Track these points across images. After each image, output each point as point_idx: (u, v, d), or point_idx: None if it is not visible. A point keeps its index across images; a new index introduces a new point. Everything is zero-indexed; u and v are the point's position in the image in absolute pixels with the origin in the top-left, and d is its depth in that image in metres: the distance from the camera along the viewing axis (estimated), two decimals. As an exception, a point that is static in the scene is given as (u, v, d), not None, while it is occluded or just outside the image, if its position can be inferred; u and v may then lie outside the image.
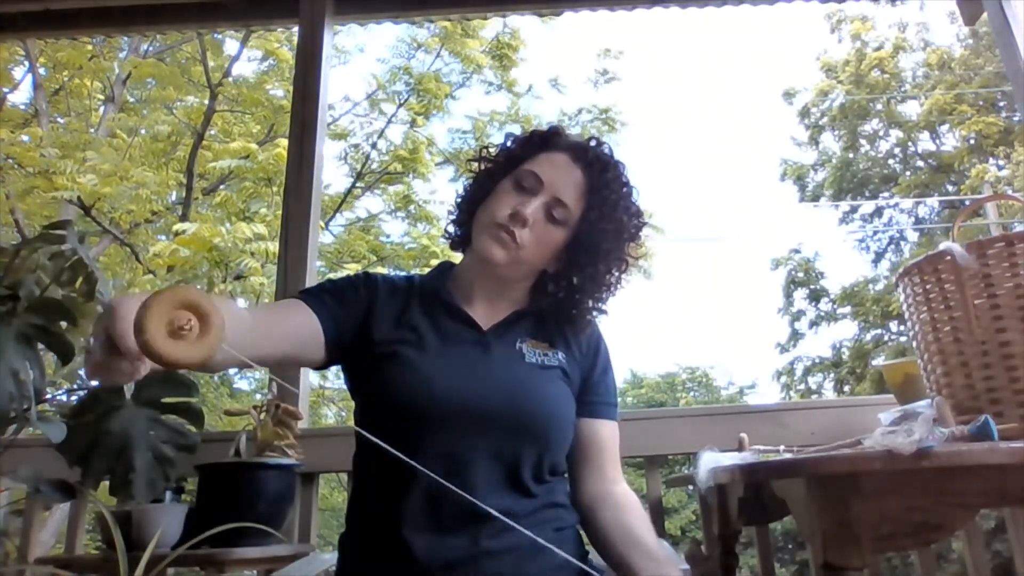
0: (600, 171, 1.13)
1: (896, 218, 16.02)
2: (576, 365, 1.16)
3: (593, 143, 1.18)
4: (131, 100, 8.16)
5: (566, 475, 1.15)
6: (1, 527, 1.52)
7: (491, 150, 1.22)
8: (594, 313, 1.18)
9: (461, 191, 1.23)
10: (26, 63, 7.09)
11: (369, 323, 1.09)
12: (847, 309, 15.11)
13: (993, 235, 1.16)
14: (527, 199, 1.09)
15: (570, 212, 1.10)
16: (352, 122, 7.52)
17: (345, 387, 1.18)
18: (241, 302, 6.55)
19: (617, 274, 1.16)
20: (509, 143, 1.20)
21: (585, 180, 1.12)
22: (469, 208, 1.18)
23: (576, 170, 1.12)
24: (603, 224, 1.11)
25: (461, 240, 1.21)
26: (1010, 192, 12.48)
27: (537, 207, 1.08)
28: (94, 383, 0.80)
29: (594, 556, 1.13)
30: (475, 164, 1.22)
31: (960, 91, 14.47)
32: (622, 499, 1.11)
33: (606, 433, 1.16)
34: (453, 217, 1.23)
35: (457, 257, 1.25)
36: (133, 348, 0.63)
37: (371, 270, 1.21)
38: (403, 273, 1.24)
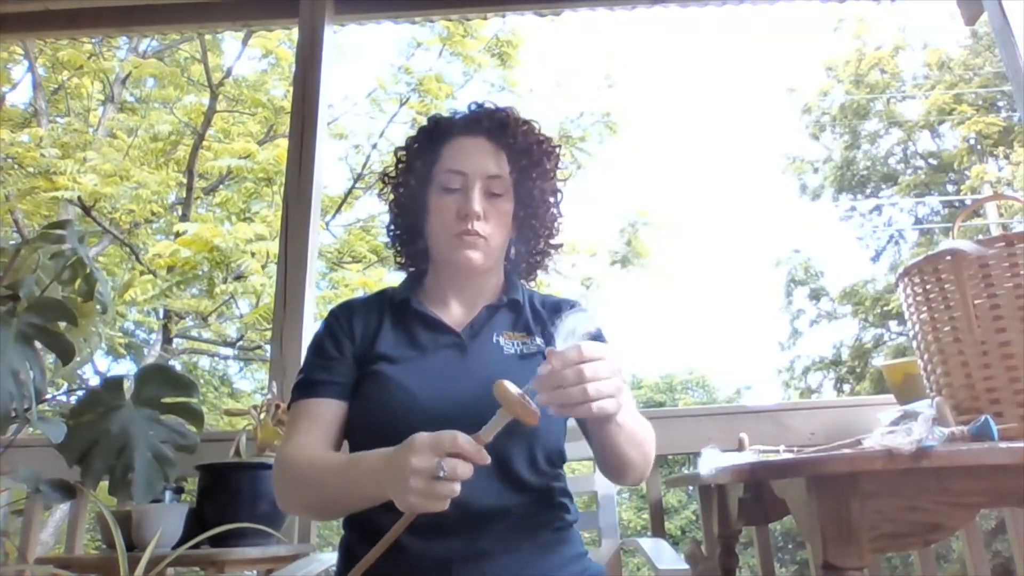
0: (500, 129, 1.14)
1: (896, 217, 16.02)
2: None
3: (474, 107, 1.18)
4: (130, 100, 8.16)
5: (564, 464, 1.13)
6: (1, 527, 1.52)
7: (391, 172, 1.22)
8: (555, 250, 1.22)
9: (390, 222, 1.23)
10: (25, 63, 7.09)
11: (354, 353, 1.10)
12: (847, 308, 15.11)
13: (993, 235, 1.16)
14: (465, 196, 1.09)
15: (504, 179, 1.12)
16: (351, 121, 7.52)
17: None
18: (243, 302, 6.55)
19: (557, 205, 1.20)
20: (406, 157, 1.20)
21: (493, 144, 1.13)
22: (406, 234, 1.20)
23: (480, 140, 1.13)
24: (530, 171, 1.14)
25: (416, 259, 1.22)
26: (1010, 192, 12.48)
27: (478, 196, 1.09)
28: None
29: (594, 555, 1.13)
30: (391, 192, 1.22)
31: (960, 91, 14.46)
32: None
33: None
34: (397, 246, 1.23)
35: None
36: (452, 442, 0.80)
37: (335, 305, 1.20)
38: (373, 293, 1.24)
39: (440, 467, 0.79)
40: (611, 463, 1.04)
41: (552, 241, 1.22)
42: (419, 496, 0.80)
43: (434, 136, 1.16)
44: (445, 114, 1.20)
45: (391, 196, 1.22)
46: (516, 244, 1.20)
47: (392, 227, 1.23)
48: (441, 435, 0.81)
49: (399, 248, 1.24)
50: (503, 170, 1.12)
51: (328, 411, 1.06)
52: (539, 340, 1.13)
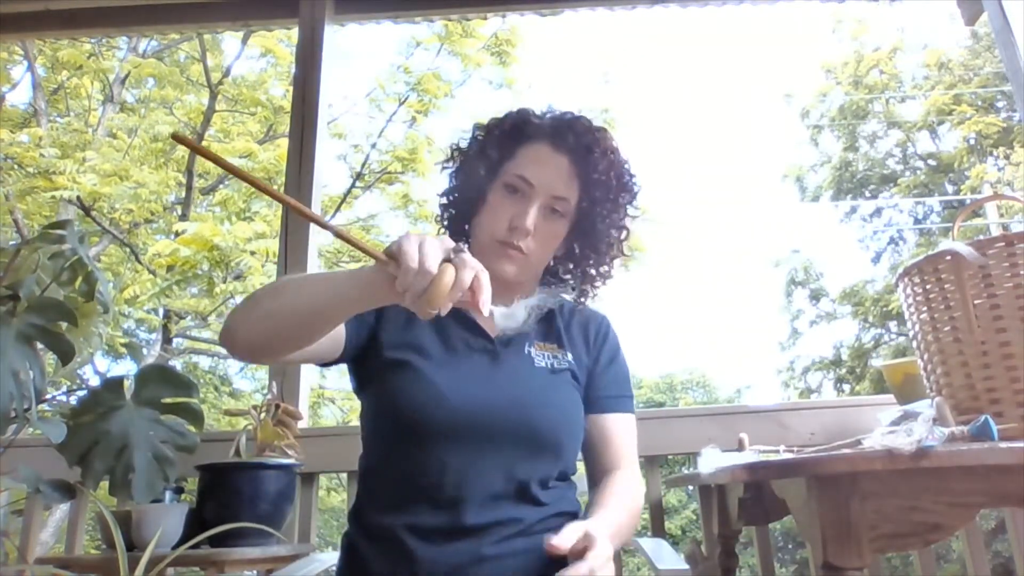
0: (585, 153, 1.09)
1: (896, 218, 16.02)
2: (584, 364, 1.14)
3: (569, 117, 1.11)
4: (130, 100, 8.16)
5: (573, 477, 1.13)
6: (1, 527, 1.52)
7: (460, 147, 1.15)
8: (603, 282, 1.17)
9: (444, 201, 1.17)
10: (25, 62, 7.09)
11: (379, 326, 1.06)
12: (847, 309, 15.11)
13: (993, 235, 1.16)
14: (523, 207, 1.05)
15: (568, 203, 1.08)
16: (350, 120, 7.53)
17: (348, 387, 1.17)
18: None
19: (619, 240, 1.16)
20: (481, 140, 1.13)
21: (572, 166, 1.08)
22: (458, 213, 1.15)
23: (561, 158, 1.08)
24: (600, 207, 1.10)
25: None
26: (1010, 192, 12.48)
27: (535, 213, 1.05)
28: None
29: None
30: (454, 163, 1.16)
31: (959, 91, 14.45)
32: (612, 480, 1.08)
33: (613, 426, 1.12)
34: (443, 224, 1.17)
35: None
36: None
37: None
38: None
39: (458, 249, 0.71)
40: None
41: (608, 273, 1.17)
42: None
43: (518, 132, 1.10)
44: (537, 112, 1.13)
45: (456, 168, 1.15)
46: (559, 266, 1.17)
47: (445, 202, 1.17)
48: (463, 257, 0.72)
49: (445, 226, 1.18)
50: (571, 195, 1.08)
51: None
52: (570, 356, 1.11)
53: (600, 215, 1.11)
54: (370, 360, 1.06)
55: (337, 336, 1.00)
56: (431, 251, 0.69)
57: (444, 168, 1.19)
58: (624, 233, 1.16)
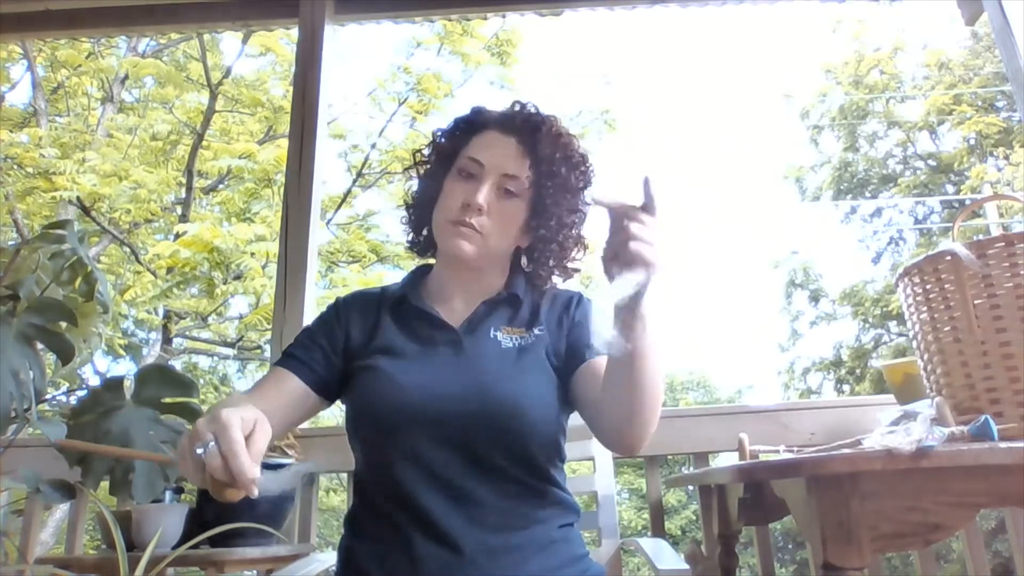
0: (531, 132, 1.12)
1: (896, 219, 16.02)
2: (561, 335, 1.11)
3: (517, 107, 1.17)
4: (129, 100, 8.16)
5: (564, 463, 1.12)
6: (1, 527, 1.52)
7: (424, 151, 1.21)
8: (560, 275, 1.18)
9: (409, 199, 1.22)
10: (24, 62, 7.09)
11: (348, 345, 1.12)
12: (847, 309, 15.10)
13: (993, 235, 1.16)
14: (475, 186, 1.08)
15: (521, 182, 1.10)
16: (350, 120, 7.52)
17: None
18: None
19: (576, 227, 1.16)
20: (439, 138, 1.20)
21: (520, 146, 1.11)
22: (422, 213, 1.19)
23: (510, 139, 1.12)
24: (548, 182, 1.11)
25: (425, 245, 1.21)
26: (1010, 192, 12.47)
27: (487, 191, 1.07)
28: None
29: (594, 555, 1.13)
30: (416, 169, 1.22)
31: (959, 91, 14.45)
32: None
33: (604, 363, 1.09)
34: (409, 226, 1.22)
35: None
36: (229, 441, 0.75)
37: (342, 295, 1.21)
38: (378, 287, 1.23)
39: (204, 446, 0.74)
40: (625, 406, 0.94)
41: (566, 263, 1.17)
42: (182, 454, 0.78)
43: (468, 125, 1.17)
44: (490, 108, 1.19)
45: (416, 176, 1.21)
46: (524, 256, 1.18)
47: (410, 205, 1.22)
48: (231, 424, 0.74)
49: (410, 227, 1.23)
50: (522, 172, 1.10)
51: (291, 387, 1.07)
52: (537, 331, 1.10)
53: (551, 194, 1.11)
54: (347, 376, 1.11)
55: (306, 401, 1.08)
56: (188, 464, 0.77)
57: (412, 174, 1.23)
58: (580, 216, 1.16)
